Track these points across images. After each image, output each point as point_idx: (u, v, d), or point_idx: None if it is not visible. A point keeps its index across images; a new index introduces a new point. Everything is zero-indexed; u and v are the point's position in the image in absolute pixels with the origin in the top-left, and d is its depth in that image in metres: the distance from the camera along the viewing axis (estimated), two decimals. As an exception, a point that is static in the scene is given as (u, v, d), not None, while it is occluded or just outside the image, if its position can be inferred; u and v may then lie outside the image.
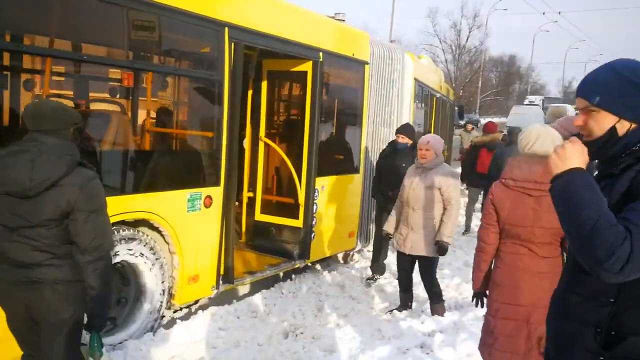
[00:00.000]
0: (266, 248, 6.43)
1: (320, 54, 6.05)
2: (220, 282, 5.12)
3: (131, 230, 4.08)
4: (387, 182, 6.29)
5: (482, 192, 9.25)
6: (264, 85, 6.41)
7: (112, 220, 3.95)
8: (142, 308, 4.45)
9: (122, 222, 4.15)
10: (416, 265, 5.32)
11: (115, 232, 3.98)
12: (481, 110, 53.41)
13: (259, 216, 6.55)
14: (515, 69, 69.44)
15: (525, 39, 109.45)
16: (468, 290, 6.11)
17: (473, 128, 13.13)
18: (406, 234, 5.15)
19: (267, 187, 6.65)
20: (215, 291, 5.09)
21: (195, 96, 5.02)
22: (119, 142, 4.33)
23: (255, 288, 5.89)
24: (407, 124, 6.57)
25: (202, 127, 5.11)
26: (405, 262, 5.36)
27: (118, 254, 4.06)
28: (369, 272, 6.76)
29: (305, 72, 6.06)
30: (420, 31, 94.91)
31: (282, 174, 6.58)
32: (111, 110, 4.48)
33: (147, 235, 4.29)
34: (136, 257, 4.23)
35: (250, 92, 6.53)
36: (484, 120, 18.59)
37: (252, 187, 6.69)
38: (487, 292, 3.46)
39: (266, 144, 6.48)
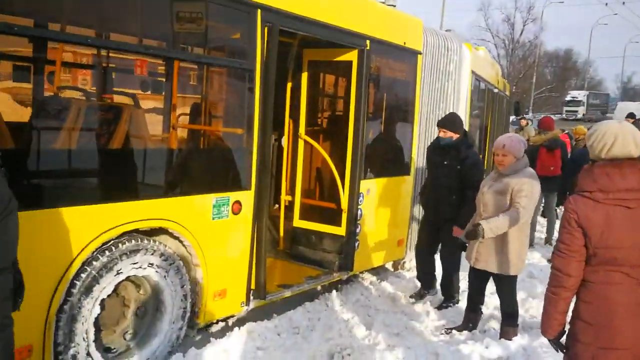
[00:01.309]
0: (305, 257, 5.84)
1: (368, 42, 5.39)
2: (251, 297, 4.55)
3: (133, 241, 3.55)
4: (428, 184, 5.64)
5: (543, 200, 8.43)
6: (305, 77, 5.81)
7: (124, 229, 3.46)
8: (163, 318, 3.92)
9: (136, 231, 3.64)
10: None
11: (114, 248, 3.46)
12: (534, 107, 51.43)
13: (298, 222, 5.95)
14: (571, 64, 66.79)
15: (582, 32, 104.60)
16: (537, 309, 5.44)
17: (527, 123, 12.16)
18: (474, 245, 4.49)
19: (307, 190, 6.05)
20: (245, 308, 4.52)
21: (223, 88, 4.47)
22: (133, 139, 3.81)
23: (298, 300, 5.31)
24: (451, 114, 5.73)
25: (230, 123, 4.54)
26: (475, 277, 4.72)
27: (121, 272, 3.53)
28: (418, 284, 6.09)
29: (350, 62, 5.42)
30: (471, 25, 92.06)
31: (324, 176, 5.96)
32: (123, 104, 3.95)
33: (155, 242, 3.74)
34: (144, 268, 3.69)
35: (289, 85, 5.95)
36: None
37: (291, 189, 6.11)
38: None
39: (307, 143, 5.88)
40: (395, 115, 6.32)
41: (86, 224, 3.31)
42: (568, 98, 51.93)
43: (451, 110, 7.03)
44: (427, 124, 6.74)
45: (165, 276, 3.84)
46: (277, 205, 6.42)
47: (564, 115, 46.99)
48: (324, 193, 6.01)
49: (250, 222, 4.41)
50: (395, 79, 6.11)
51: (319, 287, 5.66)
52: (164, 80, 4.08)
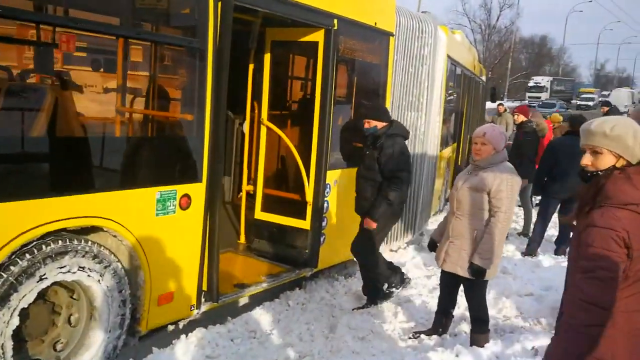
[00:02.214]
0: (267, 252, 5.46)
1: (335, 21, 4.96)
2: (203, 300, 4.15)
3: (59, 242, 3.11)
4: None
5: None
6: (267, 58, 5.36)
7: (47, 229, 3.02)
8: (98, 327, 3.49)
9: (64, 230, 3.20)
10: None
11: (36, 251, 3.01)
12: (510, 93, 51.54)
13: (260, 214, 5.54)
14: (546, 51, 67.35)
15: (558, 19, 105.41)
16: (510, 309, 5.16)
17: (505, 109, 11.85)
18: (443, 246, 4.16)
19: (270, 180, 5.63)
20: (196, 312, 4.12)
21: (170, 68, 4.02)
22: (59, 125, 3.34)
23: (257, 300, 4.93)
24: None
25: (178, 108, 4.10)
26: (446, 279, 4.38)
27: (45, 278, 3.09)
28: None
29: (317, 43, 5.00)
30: (448, 10, 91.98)
31: (288, 165, 5.56)
32: (47, 84, 3.46)
33: (87, 242, 3.30)
34: (74, 272, 3.25)
35: (251, 67, 5.50)
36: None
37: (254, 179, 5.69)
38: None
39: (269, 129, 5.45)
40: (365, 101, 5.93)
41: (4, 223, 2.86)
42: (531, 84, 51.28)
43: (424, 97, 6.68)
44: (399, 110, 6.36)
45: (99, 280, 3.41)
46: (240, 194, 6.00)
47: (526, 102, 45.34)
48: (288, 183, 5.60)
49: (202, 218, 3.98)
50: (365, 62, 5.69)
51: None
52: (102, 58, 3.60)
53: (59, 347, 3.43)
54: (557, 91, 52.88)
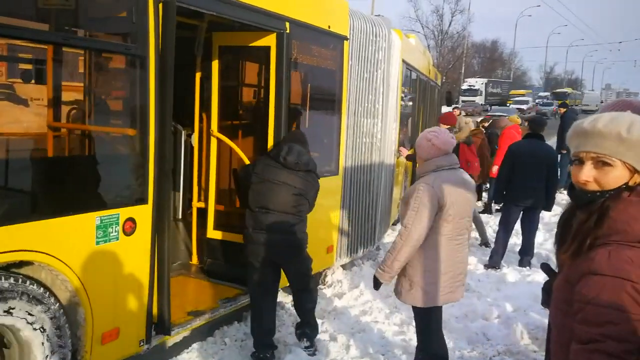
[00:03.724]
0: (221, 274, 5.07)
1: (287, 24, 4.66)
2: (153, 333, 3.74)
3: (6, 279, 2.67)
4: None
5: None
6: (215, 65, 4.99)
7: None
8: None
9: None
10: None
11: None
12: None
13: (212, 232, 5.16)
14: (498, 55, 69.01)
15: (508, 24, 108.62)
16: (477, 335, 4.76)
17: (460, 113, 11.81)
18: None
19: (222, 195, 5.25)
20: (146, 347, 3.71)
21: (108, 78, 3.61)
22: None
23: (187, 339, 4.36)
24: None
25: (118, 122, 3.69)
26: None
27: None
28: (344, 302, 5.46)
29: (268, 48, 4.67)
30: (401, 16, 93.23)
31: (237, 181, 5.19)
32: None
33: (16, 280, 2.87)
34: (3, 315, 2.81)
35: (198, 75, 5.13)
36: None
37: (204, 195, 5.30)
38: None
39: (220, 140, 5.08)
40: (320, 108, 5.65)
41: None
42: (464, 87, 47.05)
43: (380, 103, 6.44)
44: (355, 117, 6.10)
45: (32, 322, 2.96)
46: (190, 211, 5.59)
47: (459, 105, 43.42)
48: (241, 198, 5.24)
49: (149, 243, 3.58)
50: (319, 68, 5.40)
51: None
52: (30, 68, 3.16)
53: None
54: (493, 94, 50.78)
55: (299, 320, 4.50)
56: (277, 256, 4.20)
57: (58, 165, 3.34)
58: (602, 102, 49.58)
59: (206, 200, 5.22)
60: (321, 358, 4.30)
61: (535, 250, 7.07)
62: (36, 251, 2.92)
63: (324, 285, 5.97)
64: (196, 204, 5.36)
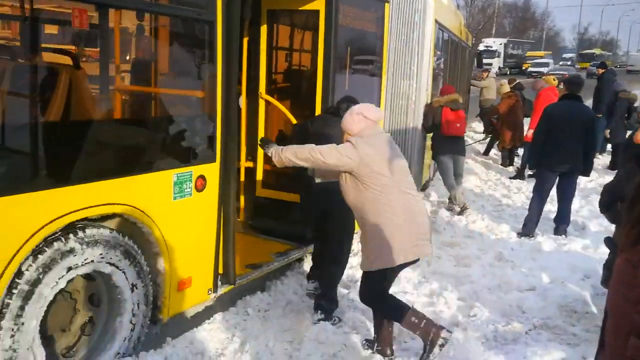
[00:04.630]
0: (270, 230, 5.32)
1: (336, -13, 4.78)
2: (219, 283, 4.02)
3: (81, 233, 2.93)
4: None
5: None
6: (264, 29, 5.14)
7: (72, 218, 2.83)
8: (121, 318, 3.33)
9: (85, 220, 3.00)
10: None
11: (57, 243, 2.82)
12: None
13: (260, 191, 5.40)
14: (530, 15, 66.77)
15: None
16: (511, 308, 4.52)
17: (488, 75, 11.75)
18: None
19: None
20: (213, 295, 3.99)
21: (179, 43, 3.78)
22: (76, 109, 3.10)
23: (207, 310, 4.17)
24: None
25: (189, 85, 3.88)
26: None
27: (71, 269, 2.91)
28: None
29: (317, 12, 4.80)
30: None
31: (288, 140, 5.39)
32: (60, 64, 3.20)
33: (109, 231, 3.12)
34: (96, 263, 3.07)
35: (246, 39, 5.27)
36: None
37: (252, 155, 5.52)
38: None
39: (267, 102, 5.27)
40: (363, 71, 5.79)
41: (20, 218, 2.65)
42: (481, 47, 41.51)
43: (415, 64, 6.56)
44: (393, 78, 6.24)
45: (122, 270, 3.23)
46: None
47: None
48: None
49: (217, 199, 3.83)
50: (363, 31, 5.54)
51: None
52: (110, 35, 3.34)
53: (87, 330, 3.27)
54: (512, 55, 47.54)
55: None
56: (331, 208, 4.21)
57: (142, 127, 3.55)
58: None
59: (254, 160, 5.43)
60: (346, 329, 4.10)
61: (572, 218, 6.70)
62: (126, 204, 3.16)
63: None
64: (244, 163, 5.57)
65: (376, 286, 3.69)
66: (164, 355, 3.54)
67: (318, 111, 4.91)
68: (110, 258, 3.14)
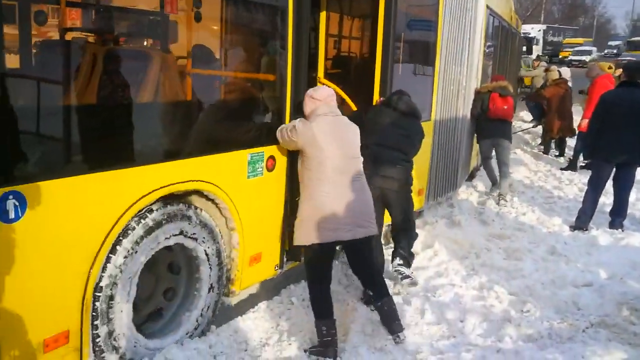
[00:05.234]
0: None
1: (396, -27, 4.85)
2: (285, 259, 4.20)
3: (168, 207, 3.12)
4: None
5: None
6: (323, 14, 5.26)
7: (159, 194, 3.03)
8: (200, 290, 3.53)
9: (172, 196, 3.20)
10: None
11: (149, 216, 3.02)
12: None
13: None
14: (580, 1, 64.76)
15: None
16: (566, 304, 4.32)
17: (539, 64, 11.59)
18: None
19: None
20: (280, 271, 4.17)
21: (253, 27, 3.93)
22: (164, 93, 3.29)
23: (258, 295, 4.22)
24: None
25: (262, 69, 4.03)
26: None
27: (159, 242, 3.12)
28: (417, 263, 4.99)
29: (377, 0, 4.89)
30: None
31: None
32: (151, 48, 3.39)
33: (190, 206, 3.32)
34: (181, 236, 3.28)
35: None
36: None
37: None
38: None
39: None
40: (420, 57, 5.86)
41: (119, 191, 2.86)
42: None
43: (466, 51, 6.59)
44: (446, 64, 6.29)
45: (202, 243, 3.42)
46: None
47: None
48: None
49: (284, 178, 4.00)
50: (420, 18, 5.60)
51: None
52: (189, 19, 3.51)
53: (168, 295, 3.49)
54: (552, 43, 45.04)
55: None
56: (388, 190, 4.44)
57: (220, 109, 3.73)
58: None
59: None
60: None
61: (629, 211, 6.38)
62: (207, 181, 3.34)
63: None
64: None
65: (308, 264, 3.76)
66: (208, 343, 3.51)
67: (376, 98, 5.02)
68: (193, 233, 3.34)
